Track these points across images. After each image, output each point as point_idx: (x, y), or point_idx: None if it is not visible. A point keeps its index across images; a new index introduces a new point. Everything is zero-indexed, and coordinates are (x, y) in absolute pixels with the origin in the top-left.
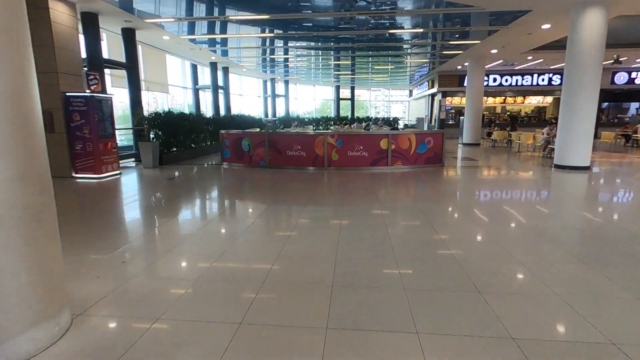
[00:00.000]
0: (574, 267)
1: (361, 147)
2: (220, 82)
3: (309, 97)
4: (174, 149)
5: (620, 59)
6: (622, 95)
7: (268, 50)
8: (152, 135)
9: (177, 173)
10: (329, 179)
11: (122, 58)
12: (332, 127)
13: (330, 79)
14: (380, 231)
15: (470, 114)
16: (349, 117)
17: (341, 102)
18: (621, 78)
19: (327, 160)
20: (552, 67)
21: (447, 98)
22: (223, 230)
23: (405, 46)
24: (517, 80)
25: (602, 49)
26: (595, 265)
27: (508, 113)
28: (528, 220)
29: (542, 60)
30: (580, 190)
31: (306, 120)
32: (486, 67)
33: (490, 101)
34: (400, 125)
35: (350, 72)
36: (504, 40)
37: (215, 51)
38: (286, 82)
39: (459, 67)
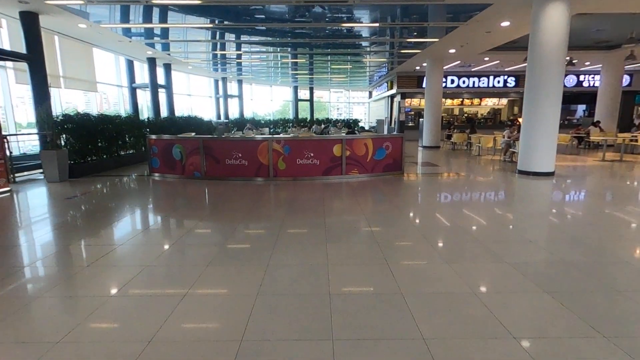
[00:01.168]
0: (585, 343)
1: (312, 155)
2: (163, 81)
3: (267, 98)
4: (93, 158)
5: (574, 61)
6: (571, 97)
7: (218, 45)
8: (63, 142)
9: (96, 186)
10: (274, 193)
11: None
12: (289, 130)
13: (287, 79)
14: (319, 278)
15: (429, 115)
16: (308, 119)
17: (301, 103)
18: (570, 80)
19: (273, 169)
20: (507, 69)
21: (407, 99)
22: (101, 280)
23: (363, 43)
24: (474, 82)
25: (564, 47)
26: (612, 335)
27: (466, 115)
28: (507, 253)
29: (498, 61)
30: (551, 204)
31: (262, 122)
32: (444, 68)
33: (448, 103)
34: (365, 127)
35: (308, 72)
36: (463, 39)
37: (153, 45)
38: (239, 82)
39: (418, 67)
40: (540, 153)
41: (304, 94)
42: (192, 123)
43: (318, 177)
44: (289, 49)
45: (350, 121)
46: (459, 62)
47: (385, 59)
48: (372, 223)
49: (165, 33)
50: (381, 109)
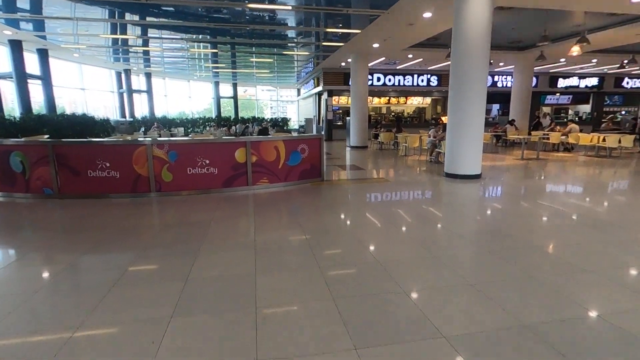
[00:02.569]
0: None
1: (207, 162)
2: (37, 70)
3: (185, 95)
4: None
5: (491, 61)
6: (487, 96)
7: (119, 28)
8: None
9: None
10: (150, 215)
11: None
12: (206, 130)
13: (206, 73)
14: None
15: (356, 114)
16: (232, 117)
17: (227, 101)
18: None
19: (156, 182)
20: (429, 68)
21: (334, 97)
22: None
23: (287, 34)
24: (399, 80)
25: (488, 38)
26: None
27: (393, 114)
28: (444, 315)
29: (421, 59)
30: (486, 218)
31: (178, 121)
32: (370, 65)
33: (375, 101)
34: (294, 125)
35: (229, 66)
36: (386, 31)
37: (15, 24)
38: (147, 75)
39: (343, 63)
40: (466, 155)
41: (225, 90)
42: (79, 123)
43: (217, 190)
44: (207, 36)
45: (279, 120)
46: (383, 58)
47: (308, 53)
48: (261, 271)
49: (35, 8)
50: (310, 107)
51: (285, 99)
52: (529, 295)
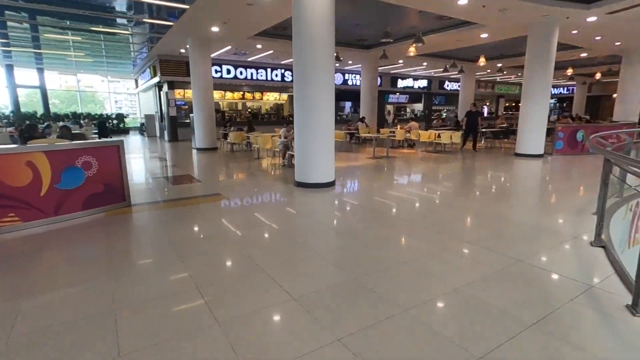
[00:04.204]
0: None
1: None
2: None
3: None
4: None
5: (341, 58)
6: (339, 94)
7: None
8: None
9: None
10: None
11: None
12: None
13: None
14: None
15: (200, 110)
16: (41, 113)
17: (36, 91)
18: (337, 78)
19: None
20: (282, 62)
21: (177, 90)
22: None
23: (104, 1)
24: (252, 74)
25: (331, 23)
26: None
27: (249, 110)
28: None
29: (272, 51)
30: (338, 253)
31: None
32: (215, 54)
33: (229, 96)
34: (136, 123)
35: (26, 44)
36: (222, 11)
37: None
38: None
39: (183, 50)
40: (317, 160)
41: (32, 78)
42: None
43: None
44: None
45: (112, 117)
46: (230, 47)
47: (128, 32)
48: None
49: None
50: (152, 102)
51: (134, 91)
52: None
